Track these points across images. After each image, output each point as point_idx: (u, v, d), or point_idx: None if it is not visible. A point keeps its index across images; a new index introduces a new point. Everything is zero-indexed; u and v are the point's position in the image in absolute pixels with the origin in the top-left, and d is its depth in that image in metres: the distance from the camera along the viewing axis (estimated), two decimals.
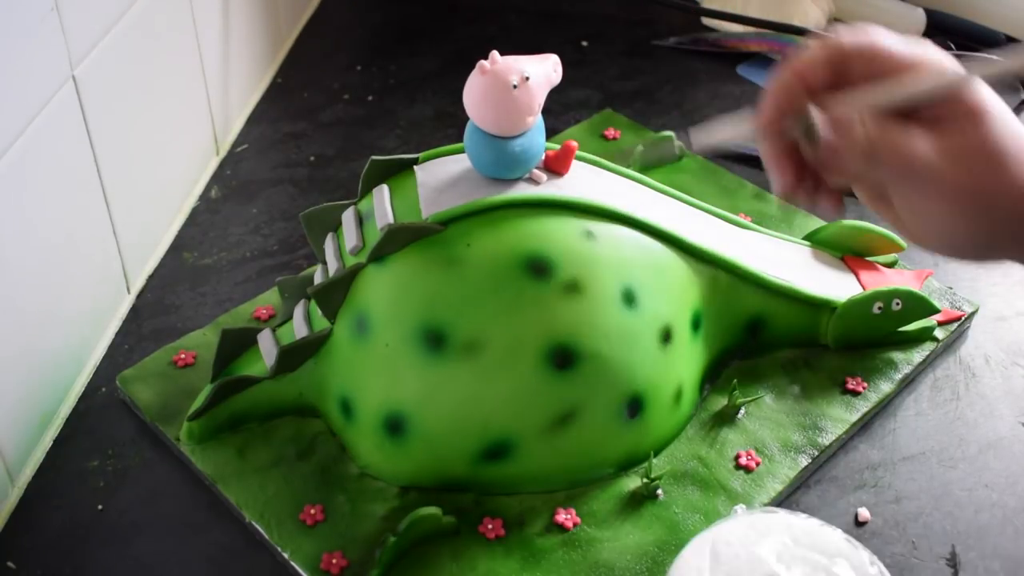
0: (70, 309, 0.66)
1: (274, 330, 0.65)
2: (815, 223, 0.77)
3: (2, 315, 0.59)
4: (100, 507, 0.61)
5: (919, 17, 0.99)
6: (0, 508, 0.60)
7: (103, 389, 0.67)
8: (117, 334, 0.71)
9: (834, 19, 1.03)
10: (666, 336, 0.61)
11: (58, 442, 0.64)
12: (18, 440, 0.62)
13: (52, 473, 0.63)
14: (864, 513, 0.60)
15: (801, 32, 0.96)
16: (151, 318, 0.72)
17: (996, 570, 0.58)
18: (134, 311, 0.73)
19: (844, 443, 0.64)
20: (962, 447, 0.64)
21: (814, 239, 0.73)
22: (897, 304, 0.67)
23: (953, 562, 0.58)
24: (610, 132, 0.87)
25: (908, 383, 0.68)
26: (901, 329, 0.69)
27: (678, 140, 0.83)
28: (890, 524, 0.60)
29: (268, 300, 0.71)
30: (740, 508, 0.53)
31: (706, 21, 1.04)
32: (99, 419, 0.66)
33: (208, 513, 0.61)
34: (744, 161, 0.85)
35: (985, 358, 0.70)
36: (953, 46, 0.95)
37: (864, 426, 0.65)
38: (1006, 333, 0.72)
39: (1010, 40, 0.99)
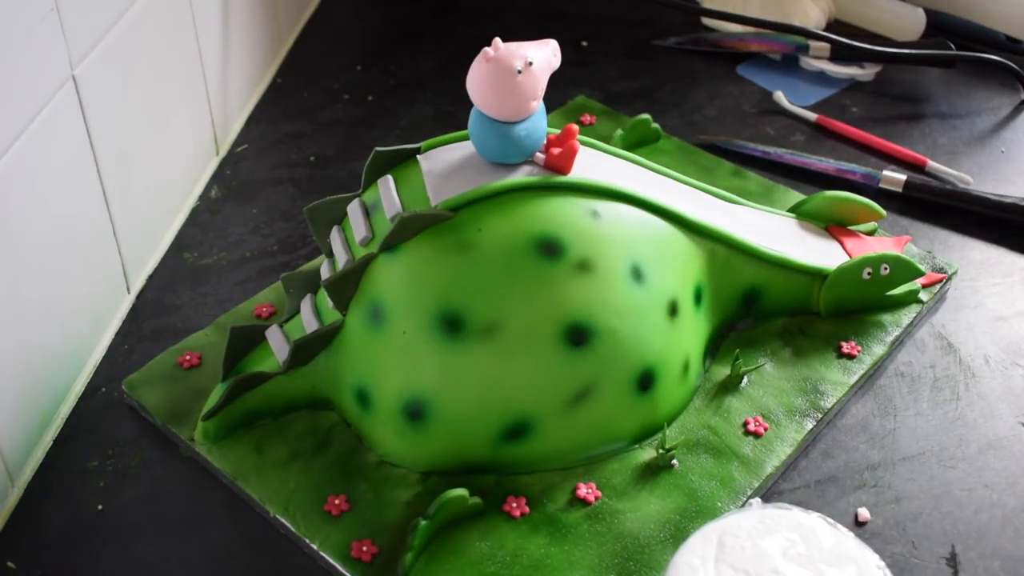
0: (70, 309, 0.66)
1: (282, 325, 0.65)
2: (795, 197, 0.79)
3: (2, 315, 0.59)
4: (100, 507, 0.61)
5: (919, 17, 0.99)
6: (0, 508, 0.60)
7: (103, 389, 0.67)
8: (117, 334, 0.71)
9: (834, 19, 1.03)
10: (673, 309, 0.62)
11: (58, 442, 0.64)
12: (18, 440, 0.62)
13: (52, 473, 0.63)
14: (864, 513, 0.60)
15: (801, 32, 0.96)
16: (151, 318, 0.72)
17: (996, 570, 0.58)
18: (134, 311, 0.73)
19: (845, 434, 0.65)
20: (962, 447, 0.64)
21: (799, 211, 0.75)
22: (885, 269, 0.69)
23: (953, 562, 0.58)
24: (586, 118, 0.88)
25: (899, 345, 0.70)
26: (888, 293, 0.71)
27: (654, 123, 0.85)
28: (890, 524, 0.60)
29: (268, 299, 0.72)
30: (756, 502, 0.54)
31: (706, 21, 1.04)
32: (99, 419, 0.66)
33: (208, 513, 0.61)
34: (745, 161, 0.86)
35: (985, 358, 0.70)
36: (953, 46, 0.95)
37: (864, 426, 0.66)
38: (1006, 333, 0.72)
39: (1010, 40, 0.98)
